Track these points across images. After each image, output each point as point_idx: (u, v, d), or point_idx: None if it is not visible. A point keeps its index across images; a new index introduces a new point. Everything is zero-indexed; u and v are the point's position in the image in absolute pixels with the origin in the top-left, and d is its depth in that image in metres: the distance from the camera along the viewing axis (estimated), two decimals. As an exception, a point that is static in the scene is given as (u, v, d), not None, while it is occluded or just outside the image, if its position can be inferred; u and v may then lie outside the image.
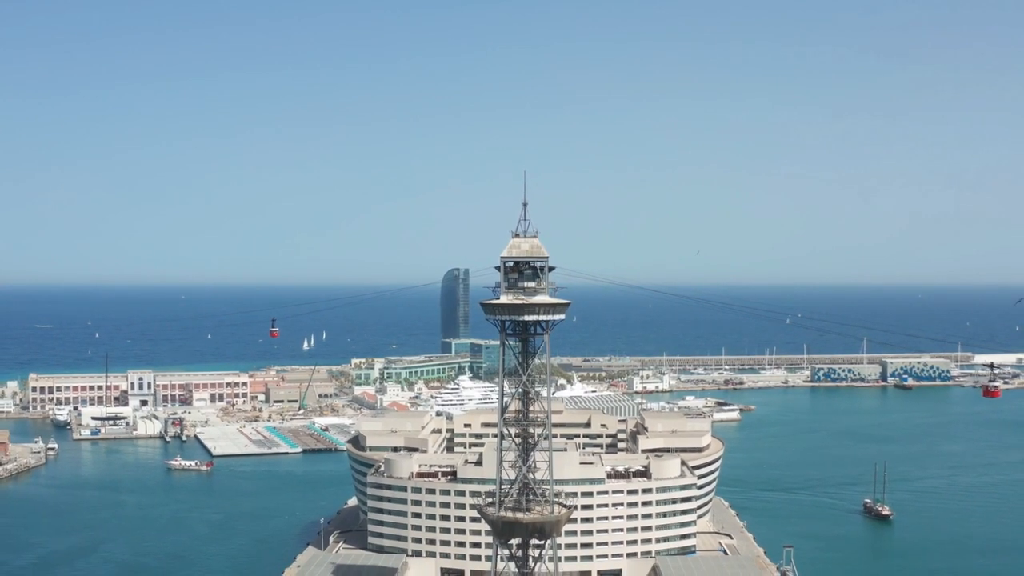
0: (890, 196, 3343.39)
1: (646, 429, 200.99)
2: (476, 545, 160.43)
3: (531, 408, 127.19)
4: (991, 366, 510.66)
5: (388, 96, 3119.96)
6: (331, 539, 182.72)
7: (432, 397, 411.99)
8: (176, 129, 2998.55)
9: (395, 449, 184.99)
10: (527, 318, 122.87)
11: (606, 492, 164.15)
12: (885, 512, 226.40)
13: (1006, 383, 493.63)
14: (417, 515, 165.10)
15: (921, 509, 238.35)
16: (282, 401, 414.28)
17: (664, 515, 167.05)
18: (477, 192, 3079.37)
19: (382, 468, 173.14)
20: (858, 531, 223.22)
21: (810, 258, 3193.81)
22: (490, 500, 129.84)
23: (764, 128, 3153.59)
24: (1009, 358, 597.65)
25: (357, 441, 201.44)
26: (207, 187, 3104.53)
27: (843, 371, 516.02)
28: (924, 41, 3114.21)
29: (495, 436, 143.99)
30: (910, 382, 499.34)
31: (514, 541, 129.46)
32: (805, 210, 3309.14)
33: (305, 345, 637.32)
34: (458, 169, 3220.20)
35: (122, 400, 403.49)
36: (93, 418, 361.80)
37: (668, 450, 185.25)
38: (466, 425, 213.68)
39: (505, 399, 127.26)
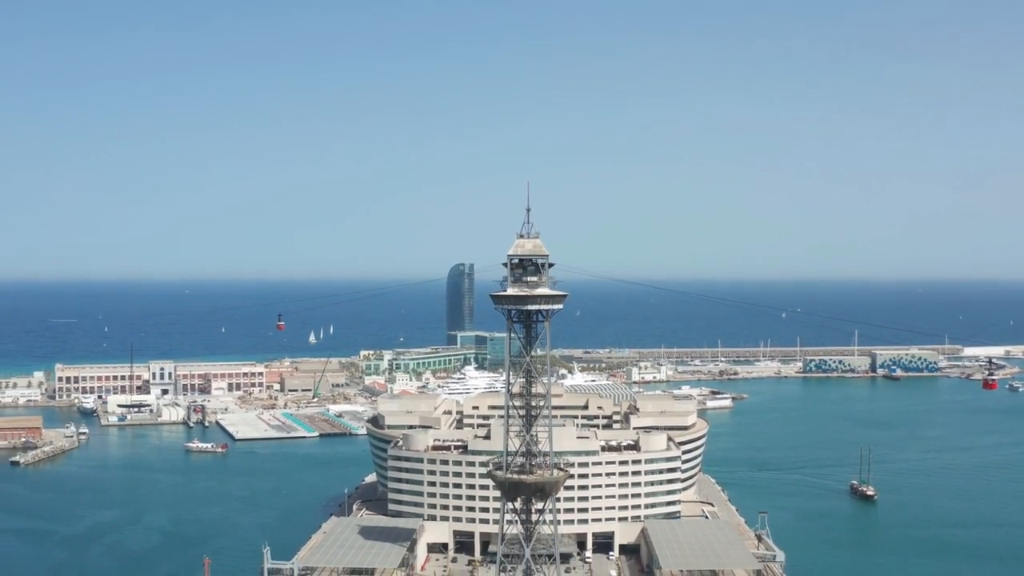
0: (890, 192, 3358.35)
1: (638, 410, 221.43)
2: (485, 509, 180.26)
3: (533, 387, 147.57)
4: (990, 361, 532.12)
5: (393, 93, 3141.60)
6: (354, 507, 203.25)
7: (439, 387, 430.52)
8: (177, 125, 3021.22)
9: (411, 427, 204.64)
10: (530, 307, 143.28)
11: (600, 463, 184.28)
12: (870, 492, 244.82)
13: (991, 374, 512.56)
14: (432, 483, 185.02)
15: (903, 489, 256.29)
16: (296, 390, 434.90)
17: (652, 483, 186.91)
18: (480, 188, 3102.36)
19: (401, 443, 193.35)
20: (844, 509, 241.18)
21: (809, 253, 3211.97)
22: (498, 465, 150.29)
23: (763, 124, 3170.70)
24: (997, 350, 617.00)
25: (376, 421, 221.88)
26: (211, 183, 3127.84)
27: (834, 362, 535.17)
28: (924, 37, 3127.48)
29: (501, 416, 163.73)
30: (898, 373, 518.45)
31: (519, 501, 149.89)
32: (804, 206, 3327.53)
33: (312, 338, 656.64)
34: (462, 165, 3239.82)
35: (144, 389, 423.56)
36: (119, 405, 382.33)
37: (657, 428, 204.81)
38: (474, 407, 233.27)
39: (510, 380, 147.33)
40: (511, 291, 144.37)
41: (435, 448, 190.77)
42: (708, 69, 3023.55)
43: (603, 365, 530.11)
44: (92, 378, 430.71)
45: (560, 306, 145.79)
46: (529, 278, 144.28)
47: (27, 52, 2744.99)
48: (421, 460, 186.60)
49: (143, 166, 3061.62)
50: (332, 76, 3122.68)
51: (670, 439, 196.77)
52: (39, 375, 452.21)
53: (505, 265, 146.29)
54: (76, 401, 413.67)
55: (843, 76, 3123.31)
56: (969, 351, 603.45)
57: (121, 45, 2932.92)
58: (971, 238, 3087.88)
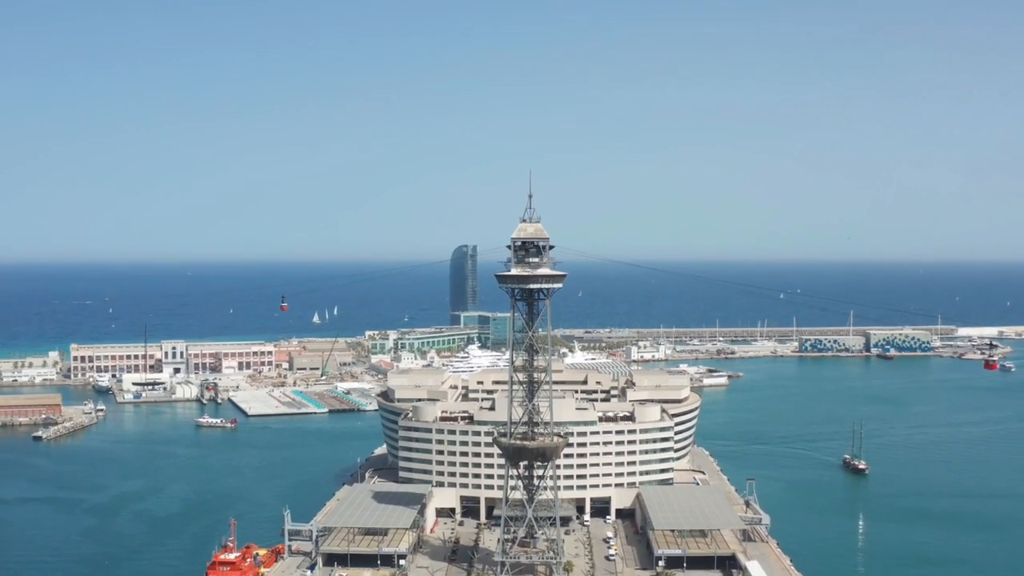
0: (893, 176, 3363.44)
1: (634, 384, 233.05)
2: (490, 476, 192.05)
3: (535, 361, 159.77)
4: (990, 343, 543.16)
5: (398, 81, 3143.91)
6: (366, 475, 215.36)
7: (444, 365, 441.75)
8: (178, 112, 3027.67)
9: (420, 400, 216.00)
10: (532, 286, 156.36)
11: (598, 432, 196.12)
12: (861, 466, 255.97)
13: (982, 353, 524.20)
14: (440, 452, 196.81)
15: (894, 462, 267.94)
16: (304, 368, 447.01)
17: (646, 452, 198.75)
18: (483, 173, 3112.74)
19: (410, 414, 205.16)
20: (835, 481, 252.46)
21: (810, 235, 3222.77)
22: (503, 431, 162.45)
23: (763, 108, 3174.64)
24: (991, 331, 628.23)
25: (387, 394, 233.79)
26: (214, 169, 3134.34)
27: (829, 342, 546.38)
28: (926, 22, 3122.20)
29: (505, 391, 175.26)
30: (892, 352, 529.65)
31: (522, 465, 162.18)
32: (806, 189, 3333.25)
33: (316, 319, 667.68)
34: (465, 151, 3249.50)
35: (156, 368, 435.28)
36: (134, 383, 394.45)
37: (652, 401, 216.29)
38: (479, 383, 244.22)
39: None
40: (515, 271, 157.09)
41: (443, 419, 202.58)
42: (707, 54, 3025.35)
43: (603, 344, 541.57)
44: (106, 357, 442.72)
45: (560, 285, 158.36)
46: (531, 259, 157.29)
47: (37, 36, 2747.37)
48: (430, 430, 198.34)
49: (143, 152, 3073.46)
50: (335, 64, 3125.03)
51: (664, 411, 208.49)
52: (54, 355, 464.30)
53: (509, 247, 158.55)
54: (91, 380, 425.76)
55: (844, 61, 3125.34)
56: (963, 331, 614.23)
57: (127, 31, 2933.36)
58: (973, 220, 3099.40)
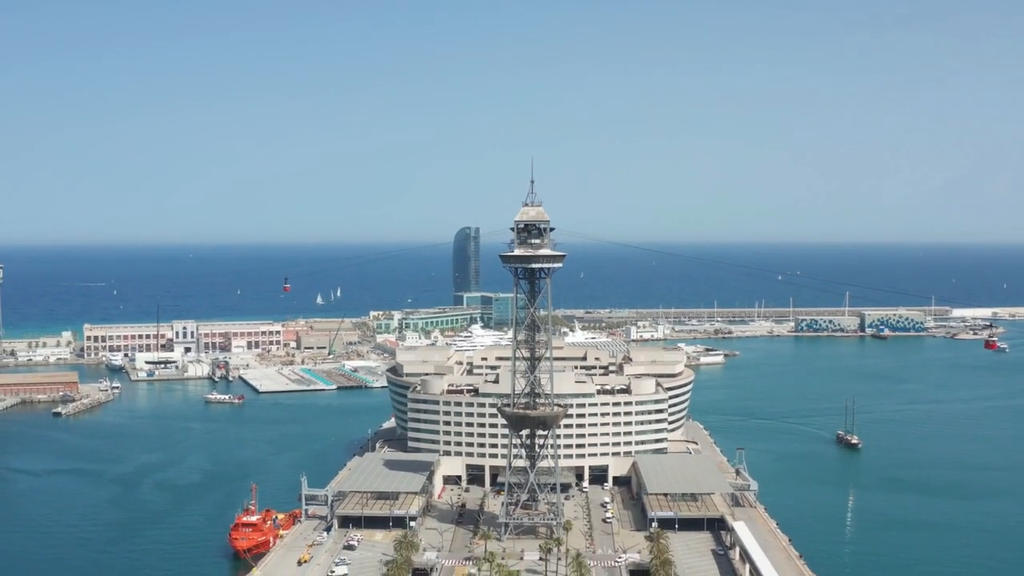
0: (897, 162, 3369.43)
1: (631, 360, 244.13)
2: (494, 446, 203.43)
3: (536, 335, 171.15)
4: (990, 325, 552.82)
5: (408, 70, 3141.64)
6: (376, 446, 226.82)
7: (447, 344, 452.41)
8: (177, 101, 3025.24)
9: (427, 374, 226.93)
10: (534, 266, 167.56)
11: (596, 404, 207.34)
12: (854, 441, 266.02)
13: (975, 334, 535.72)
14: (447, 423, 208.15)
15: (885, 436, 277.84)
16: (312, 348, 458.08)
17: (642, 423, 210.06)
18: (487, 156, 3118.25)
19: (419, 387, 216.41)
20: (828, 454, 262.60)
21: (813, 218, 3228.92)
22: (506, 402, 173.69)
23: (763, 96, 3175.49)
24: (985, 312, 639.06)
25: (395, 369, 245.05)
26: (216, 157, 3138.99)
27: (824, 322, 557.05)
28: (929, 12, 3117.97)
29: (508, 366, 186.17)
30: (886, 332, 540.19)
31: (524, 432, 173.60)
32: (805, 175, 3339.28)
33: (319, 300, 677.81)
34: (468, 136, 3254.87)
35: (168, 347, 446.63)
36: (147, 362, 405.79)
37: (647, 375, 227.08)
38: (483, 359, 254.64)
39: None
40: (518, 252, 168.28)
41: (449, 391, 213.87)
42: (710, 43, 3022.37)
43: (603, 324, 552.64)
44: (119, 337, 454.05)
45: (560, 265, 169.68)
46: (533, 240, 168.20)
47: (39, 28, 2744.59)
48: (437, 402, 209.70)
49: (143, 142, 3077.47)
50: (336, 55, 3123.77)
51: (659, 384, 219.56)
52: (67, 335, 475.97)
53: (512, 229, 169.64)
54: (104, 359, 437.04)
55: (842, 55, 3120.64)
56: (957, 312, 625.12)
57: (128, 23, 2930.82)
58: (972, 205, 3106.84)
